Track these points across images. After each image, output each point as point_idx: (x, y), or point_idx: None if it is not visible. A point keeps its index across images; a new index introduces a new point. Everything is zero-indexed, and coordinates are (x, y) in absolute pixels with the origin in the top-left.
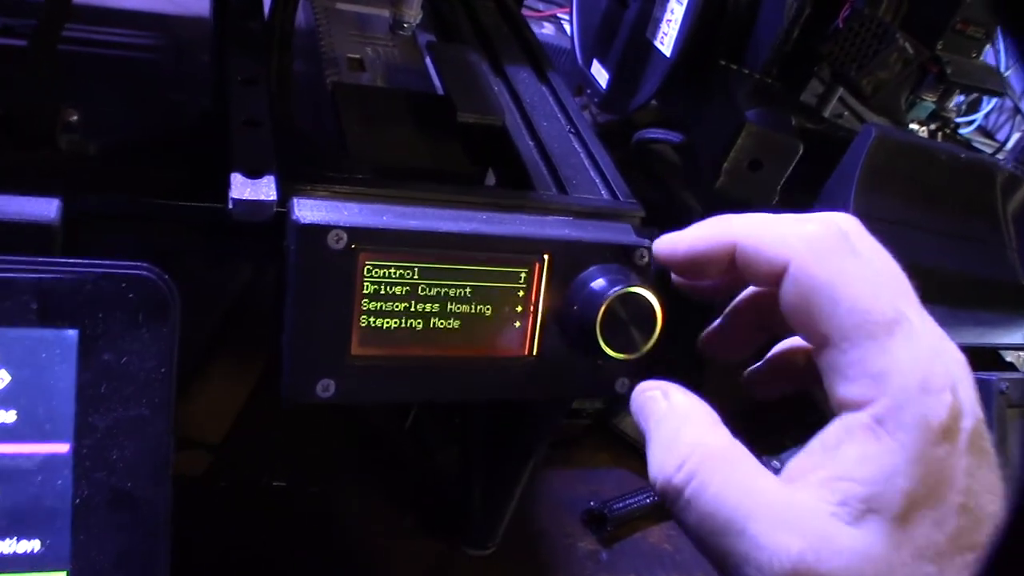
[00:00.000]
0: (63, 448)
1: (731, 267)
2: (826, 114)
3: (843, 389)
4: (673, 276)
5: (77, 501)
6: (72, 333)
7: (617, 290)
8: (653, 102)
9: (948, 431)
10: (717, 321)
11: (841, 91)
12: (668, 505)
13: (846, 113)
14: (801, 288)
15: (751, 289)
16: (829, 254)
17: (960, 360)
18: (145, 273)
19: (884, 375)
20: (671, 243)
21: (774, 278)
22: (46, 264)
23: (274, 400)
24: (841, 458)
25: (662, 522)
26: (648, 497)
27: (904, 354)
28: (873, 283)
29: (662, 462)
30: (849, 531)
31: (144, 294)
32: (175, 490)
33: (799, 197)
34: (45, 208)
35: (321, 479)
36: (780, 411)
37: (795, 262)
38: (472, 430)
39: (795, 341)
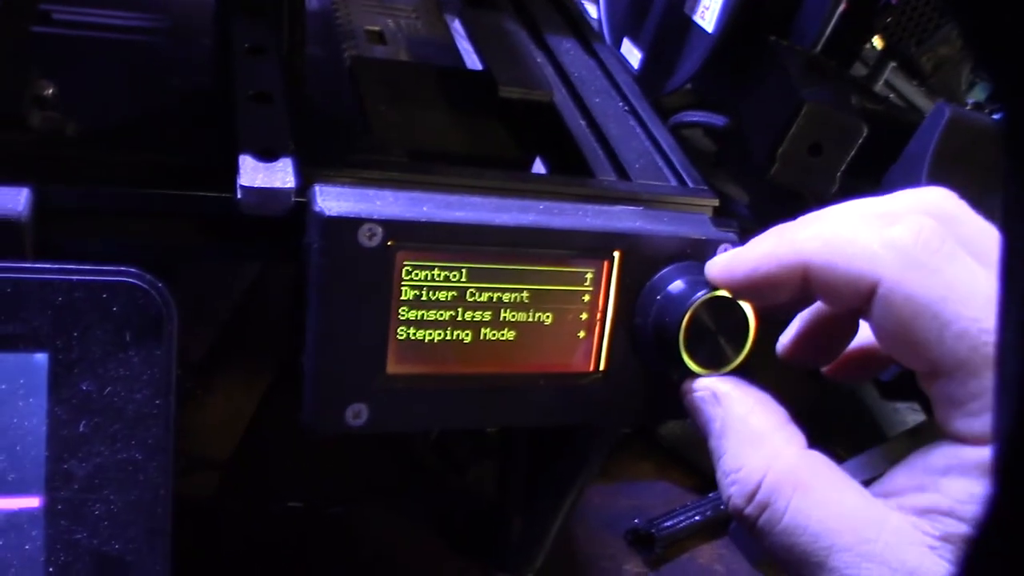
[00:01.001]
0: (32, 503)
1: (804, 289)
2: None
3: (961, 423)
4: None
5: (51, 569)
6: (41, 357)
7: (703, 294)
8: (687, 84)
9: None
10: (796, 327)
11: (887, 72)
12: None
13: (892, 96)
14: (897, 312)
15: None
16: (928, 262)
17: None
18: (133, 280)
19: None
20: (727, 267)
21: (861, 302)
22: (8, 269)
23: (286, 411)
24: (948, 489)
25: (713, 540)
26: (698, 513)
27: None
28: (991, 295)
29: (730, 492)
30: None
31: (132, 306)
32: (178, 512)
33: (859, 184)
34: (10, 199)
35: (340, 499)
36: (831, 418)
37: (886, 281)
38: (512, 446)
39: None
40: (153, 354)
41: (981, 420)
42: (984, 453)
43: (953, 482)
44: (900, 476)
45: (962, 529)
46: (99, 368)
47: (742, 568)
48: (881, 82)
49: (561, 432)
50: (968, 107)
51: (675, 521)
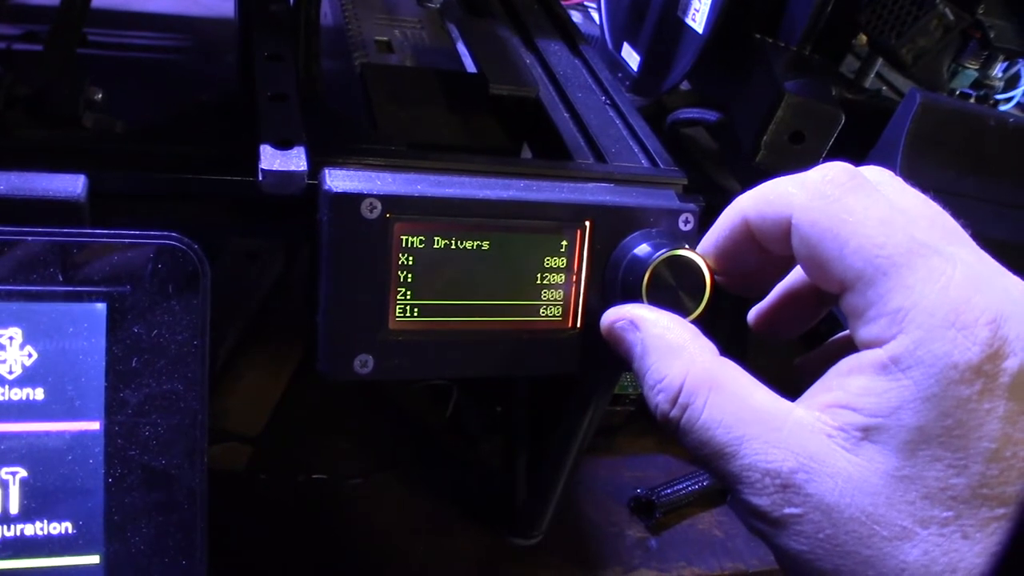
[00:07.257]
0: (94, 425)
1: (754, 243)
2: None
3: (863, 331)
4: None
5: (109, 480)
6: (100, 306)
7: (663, 253)
8: (685, 85)
9: (978, 370)
10: (768, 298)
11: (878, 66)
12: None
13: (884, 88)
14: (806, 237)
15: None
16: (831, 193)
17: (1020, 292)
18: (173, 243)
19: (903, 312)
20: (702, 245)
21: (785, 237)
22: (71, 234)
23: (312, 392)
24: (848, 386)
25: (712, 508)
26: (697, 483)
27: (927, 288)
28: (885, 217)
29: (657, 400)
30: (845, 455)
31: (173, 264)
32: (215, 483)
33: None
34: (71, 184)
35: (361, 471)
36: None
37: (796, 212)
38: (515, 418)
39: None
40: (191, 303)
41: (878, 325)
42: (880, 354)
43: (853, 380)
44: (815, 386)
45: (858, 419)
46: (147, 315)
47: (739, 533)
48: (872, 75)
49: (556, 410)
50: (956, 95)
51: (675, 489)
